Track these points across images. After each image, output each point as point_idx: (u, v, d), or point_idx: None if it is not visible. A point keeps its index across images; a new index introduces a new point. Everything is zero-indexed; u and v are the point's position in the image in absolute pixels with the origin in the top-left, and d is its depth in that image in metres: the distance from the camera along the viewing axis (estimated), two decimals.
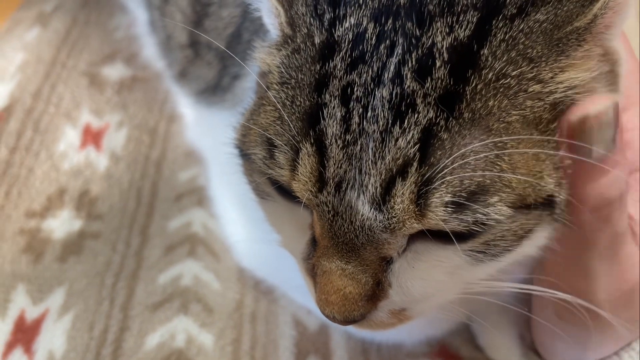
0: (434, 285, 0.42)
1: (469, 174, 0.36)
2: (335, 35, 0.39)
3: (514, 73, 0.37)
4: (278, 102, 0.40)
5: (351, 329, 0.63)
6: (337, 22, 0.39)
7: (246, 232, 0.70)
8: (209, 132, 0.78)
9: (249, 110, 0.46)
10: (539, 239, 0.42)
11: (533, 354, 0.58)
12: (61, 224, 0.75)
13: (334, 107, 0.38)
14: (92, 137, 0.86)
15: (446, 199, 0.36)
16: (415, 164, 0.36)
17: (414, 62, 0.37)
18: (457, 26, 0.36)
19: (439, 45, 0.36)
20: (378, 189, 0.37)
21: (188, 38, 0.77)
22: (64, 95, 0.91)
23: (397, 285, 0.41)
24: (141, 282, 0.69)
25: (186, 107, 0.84)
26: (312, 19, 0.40)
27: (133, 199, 0.78)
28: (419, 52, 0.37)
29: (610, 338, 0.50)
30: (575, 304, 0.44)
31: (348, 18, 0.39)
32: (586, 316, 0.45)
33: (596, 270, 0.45)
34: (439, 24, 0.37)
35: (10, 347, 0.64)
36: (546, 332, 0.54)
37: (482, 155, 0.36)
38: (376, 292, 0.41)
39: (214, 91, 0.74)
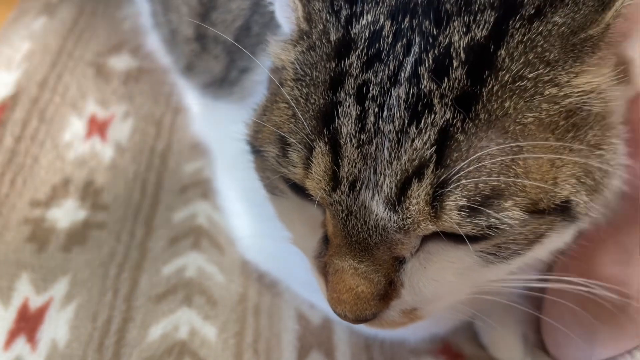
0: (445, 285, 0.42)
1: (484, 177, 0.36)
2: (352, 33, 0.39)
3: (530, 75, 0.36)
4: (292, 100, 0.40)
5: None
6: (354, 19, 0.39)
7: (251, 226, 0.70)
8: (215, 125, 0.77)
9: (261, 106, 0.46)
10: (552, 243, 0.42)
11: (537, 352, 0.58)
12: (66, 214, 0.75)
13: (349, 106, 0.37)
14: (97, 127, 0.86)
15: (460, 203, 0.36)
16: (431, 165, 0.36)
17: (431, 62, 0.36)
18: (474, 26, 0.36)
19: (456, 45, 0.36)
20: (393, 190, 0.37)
21: (194, 32, 0.76)
22: (70, 85, 0.91)
23: (409, 285, 0.41)
24: (145, 273, 0.69)
25: (192, 99, 0.84)
26: (328, 15, 0.40)
27: (138, 190, 0.78)
28: (436, 51, 0.36)
29: (630, 328, 0.50)
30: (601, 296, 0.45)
31: (365, 15, 0.39)
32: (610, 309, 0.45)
33: (634, 255, 0.45)
34: (456, 23, 0.37)
35: (13, 335, 0.64)
36: (558, 325, 0.53)
37: (498, 159, 0.36)
38: (388, 291, 0.41)
39: (221, 84, 0.73)
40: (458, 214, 0.36)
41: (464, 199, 0.35)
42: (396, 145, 0.36)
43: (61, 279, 0.69)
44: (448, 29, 0.37)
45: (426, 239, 0.40)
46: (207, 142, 0.81)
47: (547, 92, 0.37)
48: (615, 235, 0.45)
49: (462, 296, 0.45)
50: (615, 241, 0.45)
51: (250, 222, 0.70)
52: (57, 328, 0.64)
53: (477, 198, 0.36)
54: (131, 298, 0.67)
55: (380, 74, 0.37)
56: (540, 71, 0.37)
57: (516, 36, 0.36)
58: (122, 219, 0.75)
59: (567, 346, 0.55)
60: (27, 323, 0.65)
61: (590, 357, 0.53)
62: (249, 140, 0.46)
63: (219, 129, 0.74)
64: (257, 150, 0.45)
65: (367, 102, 0.37)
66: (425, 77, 0.36)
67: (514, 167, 0.36)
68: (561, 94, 0.37)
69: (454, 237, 0.38)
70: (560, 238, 0.42)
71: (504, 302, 0.49)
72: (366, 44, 0.38)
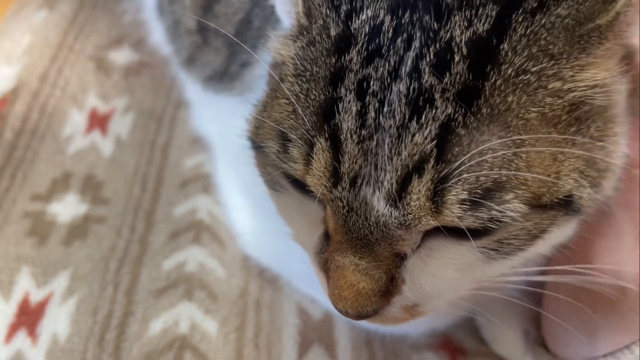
0: (446, 282, 0.42)
1: (485, 171, 0.35)
2: (352, 28, 0.38)
3: (534, 69, 0.36)
4: (292, 95, 0.40)
5: None
6: (354, 14, 0.38)
7: (252, 221, 0.69)
8: (216, 119, 0.77)
9: (261, 102, 0.46)
10: (554, 238, 0.42)
11: (538, 348, 0.58)
12: (66, 208, 0.75)
13: (349, 101, 0.37)
14: (98, 121, 0.86)
15: (462, 196, 0.35)
16: (432, 160, 0.35)
17: (432, 57, 0.36)
18: (476, 20, 0.36)
19: (458, 39, 0.36)
20: (394, 185, 0.37)
21: (196, 24, 0.76)
22: (70, 79, 0.91)
23: (410, 281, 0.41)
24: (145, 268, 0.69)
25: (193, 93, 0.84)
26: (328, 10, 0.40)
27: (138, 184, 0.78)
28: (437, 46, 0.36)
29: (629, 322, 0.50)
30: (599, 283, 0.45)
31: (365, 10, 0.38)
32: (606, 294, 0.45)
33: (626, 241, 0.45)
34: (457, 17, 0.36)
35: (14, 329, 0.64)
36: (557, 321, 0.53)
37: (499, 153, 0.35)
38: (389, 287, 0.41)
39: (221, 78, 0.73)
40: (459, 208, 0.36)
41: (465, 192, 0.35)
42: (397, 141, 0.36)
43: (62, 273, 0.69)
44: (449, 23, 0.36)
45: (427, 234, 0.40)
46: (208, 137, 0.81)
47: (551, 86, 0.37)
48: (608, 222, 0.45)
49: (464, 292, 0.45)
50: (607, 227, 0.45)
51: (251, 217, 0.70)
52: (57, 322, 0.64)
53: (479, 191, 0.35)
54: (132, 292, 0.67)
55: (381, 69, 0.37)
56: (544, 65, 0.36)
57: (519, 30, 0.36)
58: (122, 214, 0.75)
59: (566, 342, 0.54)
60: (28, 317, 0.65)
61: (589, 353, 0.52)
62: (250, 136, 0.46)
63: (220, 123, 0.74)
64: (257, 146, 0.44)
65: (368, 97, 0.37)
66: (426, 71, 0.36)
67: (515, 160, 0.36)
68: (565, 87, 0.37)
69: (456, 233, 0.38)
70: (562, 232, 0.42)
71: (504, 297, 0.49)
72: (366, 39, 0.38)
